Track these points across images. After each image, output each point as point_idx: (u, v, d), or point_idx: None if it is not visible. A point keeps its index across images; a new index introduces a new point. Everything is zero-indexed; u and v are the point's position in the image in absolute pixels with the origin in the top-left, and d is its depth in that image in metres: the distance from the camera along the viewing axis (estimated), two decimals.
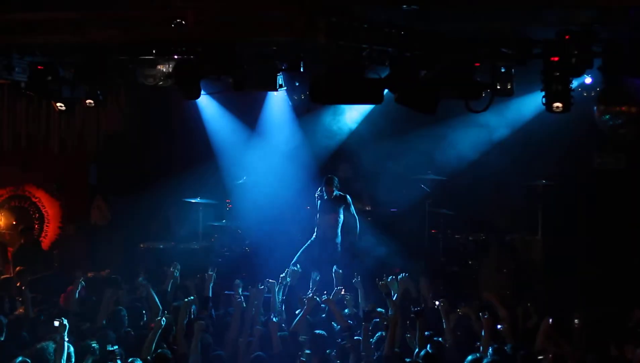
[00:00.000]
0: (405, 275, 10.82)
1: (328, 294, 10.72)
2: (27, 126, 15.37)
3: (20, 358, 7.98)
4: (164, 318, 8.92)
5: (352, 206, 13.37)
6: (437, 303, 9.70)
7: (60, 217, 15.65)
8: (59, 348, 8.07)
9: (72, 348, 8.23)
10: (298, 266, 11.36)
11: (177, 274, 11.22)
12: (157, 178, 15.09)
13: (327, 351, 8.87)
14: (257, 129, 15.19)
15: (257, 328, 9.20)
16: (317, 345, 8.86)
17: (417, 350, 8.68)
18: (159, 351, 8.49)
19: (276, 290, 10.61)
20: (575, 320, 9.37)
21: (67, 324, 8.19)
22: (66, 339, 8.11)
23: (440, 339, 8.98)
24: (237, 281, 10.66)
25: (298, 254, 13.14)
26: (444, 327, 9.34)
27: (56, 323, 8.22)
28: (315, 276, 11.39)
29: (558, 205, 14.35)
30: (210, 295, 10.76)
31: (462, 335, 9.28)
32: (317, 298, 10.02)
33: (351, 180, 14.98)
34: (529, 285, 13.80)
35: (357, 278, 10.95)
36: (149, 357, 8.49)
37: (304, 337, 9.17)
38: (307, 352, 8.42)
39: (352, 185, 14.84)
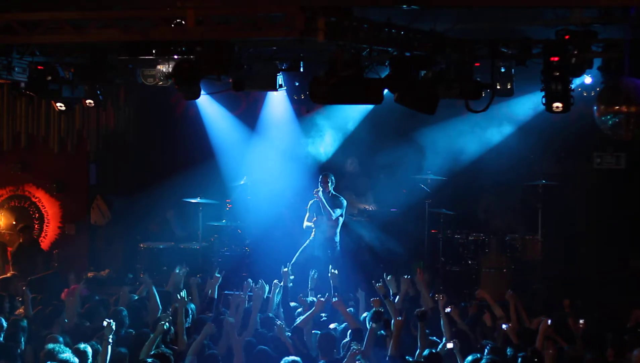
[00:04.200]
0: (407, 276, 10.82)
1: (328, 295, 10.74)
2: (27, 126, 15.37)
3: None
4: (166, 323, 8.90)
5: (344, 211, 13.34)
6: (437, 297, 9.71)
7: (60, 217, 15.64)
8: (104, 350, 8.07)
9: (88, 348, 8.24)
10: (289, 267, 11.35)
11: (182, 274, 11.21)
12: (157, 178, 15.08)
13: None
14: (257, 129, 15.19)
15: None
16: (326, 344, 8.87)
17: (418, 350, 8.67)
18: (160, 350, 8.48)
19: (276, 291, 10.62)
20: (580, 321, 9.36)
21: (114, 327, 8.19)
22: (110, 341, 8.10)
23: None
24: (249, 280, 10.71)
25: (296, 255, 13.13)
26: (442, 325, 9.34)
27: (104, 324, 8.20)
28: (314, 273, 11.37)
29: (558, 205, 14.36)
30: (216, 296, 10.77)
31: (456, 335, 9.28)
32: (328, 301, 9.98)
33: (357, 175, 14.97)
34: (528, 285, 13.82)
35: (359, 290, 10.91)
36: (148, 359, 8.47)
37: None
38: None
39: (358, 183, 14.85)
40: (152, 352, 8.49)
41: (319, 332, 9.25)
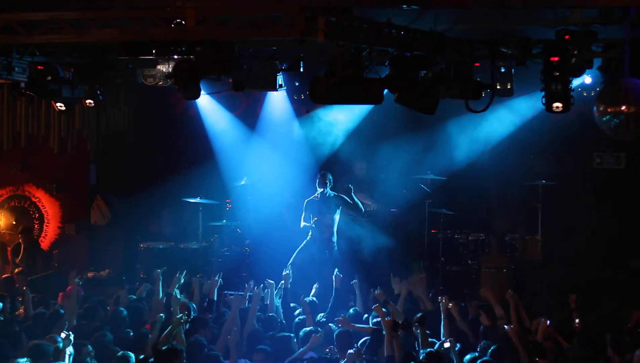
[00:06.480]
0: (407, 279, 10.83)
1: (328, 296, 10.76)
2: (27, 126, 15.37)
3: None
4: (162, 315, 8.91)
5: (350, 199, 13.25)
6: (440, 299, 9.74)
7: (60, 217, 15.65)
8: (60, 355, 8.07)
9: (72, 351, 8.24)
10: (290, 269, 11.31)
11: (183, 280, 11.20)
12: (157, 178, 15.09)
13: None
14: (257, 129, 15.19)
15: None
16: (343, 341, 8.88)
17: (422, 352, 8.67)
18: (172, 343, 8.50)
19: (275, 292, 10.62)
20: (576, 320, 9.37)
21: (72, 339, 8.17)
22: (68, 353, 8.08)
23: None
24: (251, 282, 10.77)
25: (294, 255, 13.11)
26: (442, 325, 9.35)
27: (62, 336, 8.19)
28: (317, 286, 11.37)
29: (558, 205, 14.36)
30: (215, 298, 10.77)
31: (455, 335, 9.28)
32: (324, 327, 9.85)
33: (365, 179, 14.97)
34: (528, 285, 13.82)
35: (356, 280, 10.92)
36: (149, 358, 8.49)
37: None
38: None
39: (361, 185, 14.84)
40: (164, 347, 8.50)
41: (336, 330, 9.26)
